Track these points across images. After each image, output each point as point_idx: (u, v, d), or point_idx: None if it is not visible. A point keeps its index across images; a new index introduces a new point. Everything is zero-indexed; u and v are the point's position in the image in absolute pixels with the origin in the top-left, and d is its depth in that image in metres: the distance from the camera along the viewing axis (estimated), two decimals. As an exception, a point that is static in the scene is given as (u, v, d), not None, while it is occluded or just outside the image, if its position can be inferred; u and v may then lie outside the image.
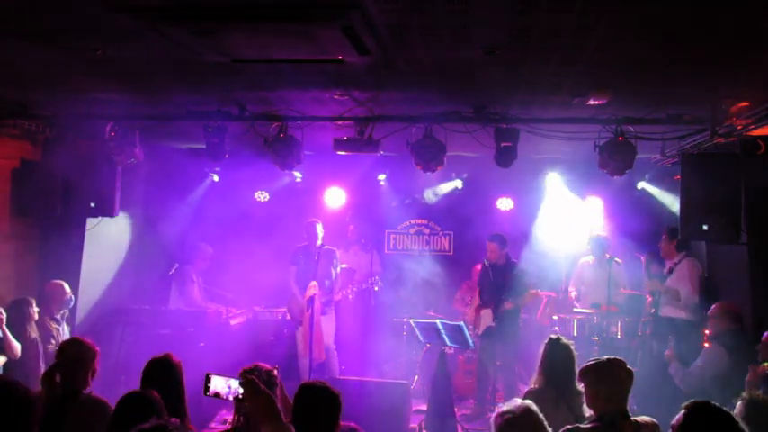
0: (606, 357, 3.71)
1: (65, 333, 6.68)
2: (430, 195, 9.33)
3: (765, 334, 4.89)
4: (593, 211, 9.03)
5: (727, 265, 6.64)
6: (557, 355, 4.35)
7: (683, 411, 2.85)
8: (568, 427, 3.49)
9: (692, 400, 2.91)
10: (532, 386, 4.39)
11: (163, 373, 3.68)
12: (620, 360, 3.68)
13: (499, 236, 7.74)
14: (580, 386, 3.76)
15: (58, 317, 6.65)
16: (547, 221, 8.88)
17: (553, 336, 4.55)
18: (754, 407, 3.41)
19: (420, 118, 6.07)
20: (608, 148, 5.96)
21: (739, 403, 3.47)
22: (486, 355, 7.52)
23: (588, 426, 3.48)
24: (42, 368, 6.07)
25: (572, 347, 4.41)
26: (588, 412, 3.77)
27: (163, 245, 8.44)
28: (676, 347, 5.81)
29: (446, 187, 9.29)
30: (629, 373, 3.60)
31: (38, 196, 6.80)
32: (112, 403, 3.31)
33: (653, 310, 7.21)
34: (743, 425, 2.86)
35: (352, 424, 3.32)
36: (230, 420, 3.31)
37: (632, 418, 3.52)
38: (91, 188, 6.87)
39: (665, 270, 7.16)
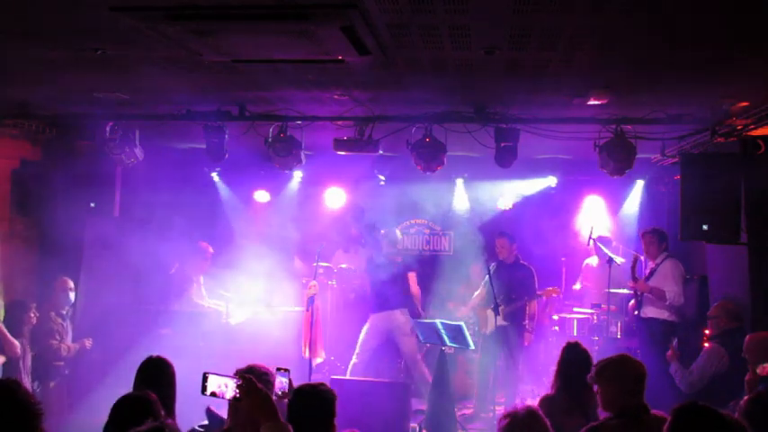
0: (617, 354, 3.69)
1: (68, 331, 6.71)
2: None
3: (747, 337, 4.89)
4: (595, 211, 9.05)
5: (727, 265, 6.64)
6: (574, 361, 4.28)
7: (671, 415, 2.84)
8: (593, 425, 3.46)
9: (686, 400, 2.90)
10: (548, 392, 4.36)
11: (156, 373, 3.68)
12: (629, 355, 3.67)
13: (508, 232, 7.73)
14: (594, 389, 3.72)
15: (64, 312, 6.67)
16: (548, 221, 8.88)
17: (571, 341, 4.51)
18: (758, 403, 3.38)
19: (420, 118, 6.07)
20: (608, 147, 5.96)
21: (745, 398, 3.44)
22: (489, 356, 7.47)
23: (613, 423, 3.46)
24: (27, 370, 6.08)
25: (589, 353, 4.36)
26: (603, 414, 3.74)
27: (162, 244, 8.43)
28: (656, 348, 5.82)
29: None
30: (642, 365, 3.60)
31: (38, 196, 6.81)
32: (112, 403, 3.30)
33: (636, 312, 7.21)
34: (745, 421, 2.85)
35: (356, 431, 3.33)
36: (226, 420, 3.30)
37: (652, 412, 3.50)
38: (91, 188, 6.88)
39: (647, 271, 7.12)
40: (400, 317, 7.61)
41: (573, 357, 4.31)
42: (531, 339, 7.72)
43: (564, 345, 4.46)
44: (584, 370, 4.19)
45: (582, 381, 4.15)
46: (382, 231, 7.98)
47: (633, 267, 7.02)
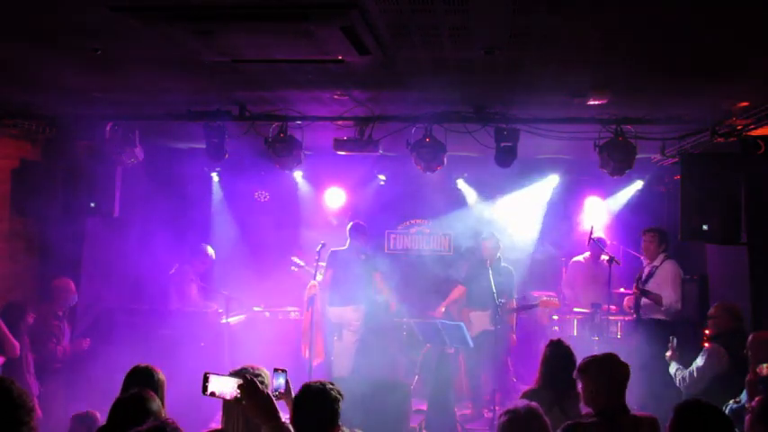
0: (603, 353, 3.72)
1: (65, 332, 6.69)
2: None
3: (750, 336, 4.89)
4: (594, 211, 9.04)
5: (727, 265, 6.63)
6: (557, 358, 4.37)
7: (673, 412, 2.85)
8: (569, 423, 3.49)
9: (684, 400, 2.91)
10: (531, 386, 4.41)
11: (143, 382, 3.53)
12: (616, 355, 3.70)
13: (492, 234, 7.74)
14: (578, 386, 3.76)
15: (61, 314, 6.65)
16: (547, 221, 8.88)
17: (554, 338, 4.57)
18: None
19: (420, 118, 6.08)
20: (608, 147, 5.97)
21: (757, 399, 3.42)
22: (478, 359, 7.47)
23: (589, 421, 3.49)
24: (30, 370, 6.07)
25: (572, 350, 4.42)
26: (585, 410, 3.78)
27: (162, 244, 8.44)
28: (653, 347, 5.83)
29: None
30: (627, 367, 3.64)
31: (38, 196, 6.80)
32: (111, 403, 3.29)
33: (630, 309, 7.23)
34: (759, 423, 2.85)
35: None
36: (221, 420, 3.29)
37: (632, 413, 3.53)
38: (91, 188, 6.87)
39: (645, 272, 7.10)
40: (351, 314, 7.78)
41: (555, 354, 4.40)
42: (515, 340, 7.80)
43: (547, 342, 4.54)
44: (565, 367, 4.26)
45: (563, 377, 4.20)
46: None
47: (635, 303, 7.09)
